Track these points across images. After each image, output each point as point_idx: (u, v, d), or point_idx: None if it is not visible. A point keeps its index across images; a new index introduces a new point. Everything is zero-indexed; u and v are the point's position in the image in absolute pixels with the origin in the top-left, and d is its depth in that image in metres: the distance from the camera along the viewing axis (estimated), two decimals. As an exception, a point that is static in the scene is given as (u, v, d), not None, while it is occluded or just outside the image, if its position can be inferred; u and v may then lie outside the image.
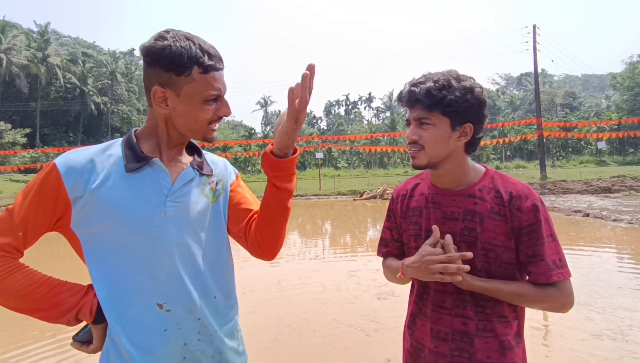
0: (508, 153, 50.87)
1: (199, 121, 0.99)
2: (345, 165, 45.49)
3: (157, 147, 1.03)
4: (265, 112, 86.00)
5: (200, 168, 1.07)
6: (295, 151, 0.99)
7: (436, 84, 1.07)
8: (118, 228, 0.93)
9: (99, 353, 0.99)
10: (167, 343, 0.95)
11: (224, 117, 1.03)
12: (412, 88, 1.11)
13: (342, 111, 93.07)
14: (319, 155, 23.07)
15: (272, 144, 0.99)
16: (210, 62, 0.95)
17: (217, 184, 1.11)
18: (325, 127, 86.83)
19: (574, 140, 45.24)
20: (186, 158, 1.08)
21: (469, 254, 1.05)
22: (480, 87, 1.11)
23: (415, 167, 1.15)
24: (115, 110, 57.44)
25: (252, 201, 1.17)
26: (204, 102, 0.97)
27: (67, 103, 52.03)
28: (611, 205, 12.53)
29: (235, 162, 40.09)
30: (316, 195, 20.28)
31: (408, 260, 1.13)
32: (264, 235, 1.06)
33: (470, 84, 1.09)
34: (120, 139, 1.03)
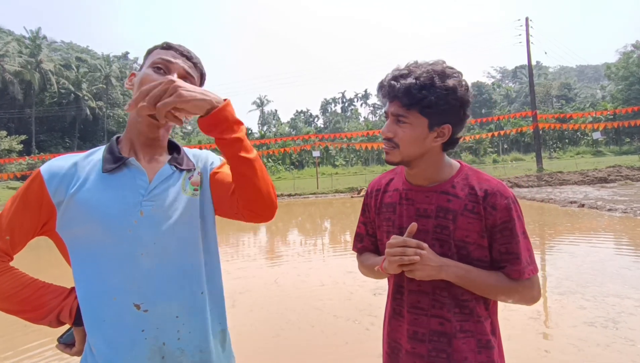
0: (505, 146, 50.97)
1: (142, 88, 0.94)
2: (343, 163, 45.51)
3: (133, 146, 1.04)
4: (262, 112, 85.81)
5: (179, 164, 1.06)
6: (224, 102, 0.92)
7: (417, 82, 1.01)
8: (95, 228, 0.94)
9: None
10: (145, 344, 0.94)
11: None
12: (393, 82, 1.04)
13: (338, 108, 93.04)
14: (316, 153, 23.15)
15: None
16: (174, 45, 1.05)
17: (199, 174, 1.09)
18: (322, 126, 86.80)
19: (570, 131, 45.40)
20: (165, 157, 1.08)
21: (424, 244, 1.02)
22: (466, 85, 1.05)
23: (388, 163, 1.12)
24: (111, 114, 57.29)
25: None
26: (152, 68, 1.00)
27: (62, 109, 51.86)
28: (607, 195, 12.63)
29: (232, 163, 40.03)
30: (314, 194, 20.33)
31: None
32: (243, 195, 0.99)
33: (453, 83, 1.02)
34: (106, 145, 1.06)
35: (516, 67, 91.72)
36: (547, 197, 12.78)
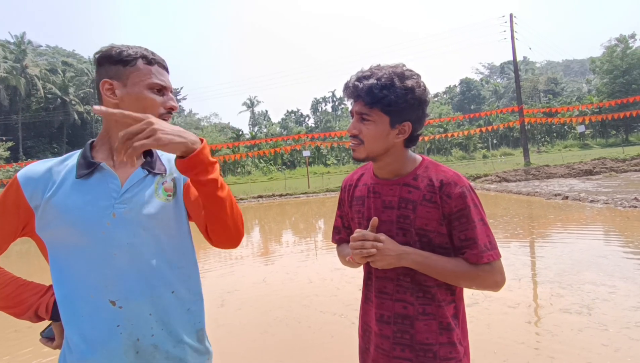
0: (494, 141, 51.49)
1: (148, 111, 1.02)
2: (335, 162, 45.62)
3: (110, 153, 1.09)
4: (252, 112, 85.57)
5: (151, 168, 1.10)
6: (201, 142, 0.96)
7: (378, 82, 1.09)
8: (70, 231, 0.99)
9: None
10: (119, 339, 0.99)
11: (173, 111, 1.10)
12: (356, 83, 1.13)
13: (329, 107, 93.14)
14: (306, 153, 23.22)
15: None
16: (153, 57, 1.08)
17: (171, 181, 1.13)
18: (313, 125, 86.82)
19: (557, 125, 46.04)
20: (138, 161, 1.11)
21: (382, 236, 1.11)
22: (424, 86, 1.14)
23: (355, 159, 1.20)
24: (99, 118, 56.68)
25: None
26: (149, 90, 1.05)
27: (50, 114, 51.20)
28: (591, 187, 12.91)
29: (224, 164, 39.92)
30: (305, 193, 20.40)
31: None
32: (212, 229, 1.09)
33: (412, 84, 1.11)
34: (81, 149, 1.10)
35: (503, 63, 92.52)
36: (532, 190, 13.02)
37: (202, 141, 0.96)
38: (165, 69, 1.11)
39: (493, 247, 1.13)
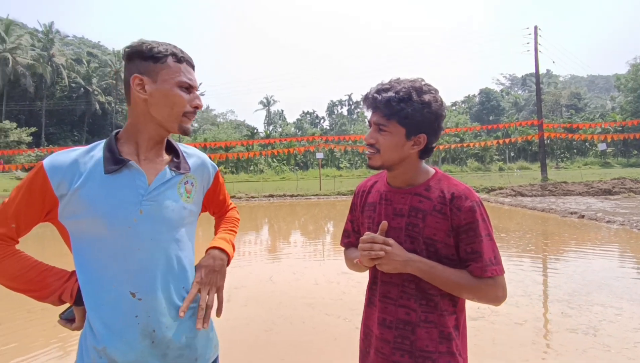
0: (512, 154, 50.74)
1: (175, 108, 1.09)
2: (348, 165, 45.58)
3: (136, 148, 1.12)
4: (268, 111, 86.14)
5: (177, 168, 1.15)
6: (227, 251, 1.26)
7: (397, 95, 1.14)
8: (97, 223, 1.03)
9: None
10: (137, 329, 1.04)
11: (197, 110, 1.15)
12: (376, 95, 1.18)
13: (344, 110, 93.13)
14: (319, 155, 23.24)
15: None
16: (183, 55, 1.12)
17: (192, 184, 1.19)
18: (328, 127, 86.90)
19: (578, 142, 45.14)
20: (164, 158, 1.16)
21: (390, 241, 1.15)
22: (440, 101, 1.19)
23: (370, 167, 1.24)
24: (120, 109, 57.94)
25: (224, 201, 1.38)
26: (178, 87, 1.09)
27: (72, 102, 52.56)
28: (609, 207, 12.61)
29: (238, 162, 40.27)
30: (316, 195, 20.44)
31: None
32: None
33: (429, 98, 1.15)
34: (104, 141, 1.12)
35: (525, 75, 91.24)
36: (548, 207, 12.79)
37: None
38: (193, 67, 1.16)
39: (497, 262, 1.15)
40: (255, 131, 53.50)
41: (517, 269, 5.63)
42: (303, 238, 9.73)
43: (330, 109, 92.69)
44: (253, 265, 6.69)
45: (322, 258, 7.18)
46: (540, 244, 7.77)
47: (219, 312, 1.18)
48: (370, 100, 1.20)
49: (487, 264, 1.12)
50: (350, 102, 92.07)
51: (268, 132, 56.66)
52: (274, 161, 42.92)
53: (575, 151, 47.96)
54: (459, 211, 1.15)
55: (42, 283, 1.05)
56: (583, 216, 10.71)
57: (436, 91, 1.20)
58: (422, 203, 1.19)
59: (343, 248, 1.50)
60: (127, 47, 1.11)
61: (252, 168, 42.18)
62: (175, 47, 1.12)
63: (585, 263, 6.06)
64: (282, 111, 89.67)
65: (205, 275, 1.16)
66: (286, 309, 4.33)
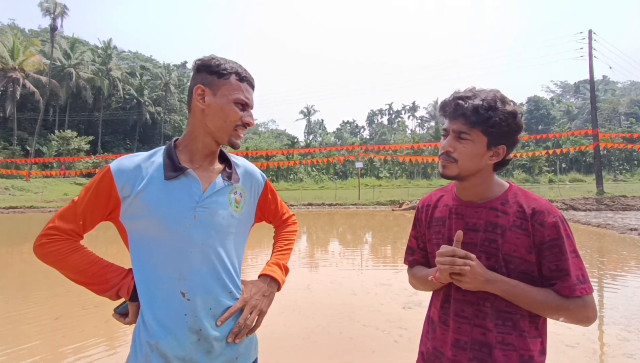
0: (563, 165, 47.94)
1: (228, 121, 1.17)
2: (387, 175, 45.04)
3: (192, 156, 1.20)
4: (308, 121, 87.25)
5: (229, 178, 1.22)
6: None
7: (484, 103, 1.11)
8: (155, 225, 1.11)
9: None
10: (185, 326, 1.11)
11: (248, 127, 1.22)
12: (460, 101, 1.13)
13: (385, 120, 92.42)
14: (359, 164, 23.17)
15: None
16: (246, 75, 1.20)
17: (241, 195, 1.26)
18: (367, 137, 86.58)
19: (639, 153, 41.86)
20: (217, 168, 1.24)
21: (472, 255, 1.08)
22: (522, 113, 1.17)
23: (444, 176, 1.18)
24: (168, 119, 61.13)
25: (278, 210, 1.44)
26: (235, 103, 1.16)
27: (126, 113, 56.16)
28: (675, 223, 11.54)
29: (278, 170, 40.99)
30: (355, 204, 20.34)
31: None
32: None
33: (512, 109, 1.13)
34: (163, 147, 1.21)
35: (578, 82, 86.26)
36: (604, 222, 11.92)
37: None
38: (253, 87, 1.24)
39: (585, 280, 1.08)
40: (296, 140, 54.31)
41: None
42: (341, 247, 9.69)
43: (371, 119, 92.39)
44: (291, 273, 6.69)
45: (360, 268, 7.11)
46: (595, 262, 7.24)
47: (250, 333, 1.21)
48: (453, 107, 1.15)
49: (575, 283, 1.06)
50: (391, 112, 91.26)
51: (308, 141, 57.33)
52: (313, 170, 43.29)
53: (635, 162, 44.47)
54: (542, 227, 1.09)
55: (103, 277, 1.13)
56: (645, 233, 9.87)
57: (515, 103, 1.17)
58: (500, 217, 1.14)
59: (407, 266, 1.43)
60: (198, 59, 1.20)
61: (291, 176, 42.79)
62: (240, 66, 1.20)
63: (648, 285, 5.57)
64: (322, 120, 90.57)
65: (253, 295, 1.22)
66: (323, 318, 4.31)
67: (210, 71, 1.17)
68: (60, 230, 1.10)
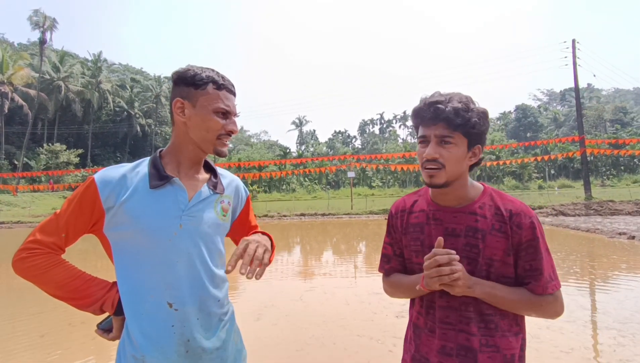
0: (552, 172, 48.58)
1: (210, 131, 1.15)
2: (380, 184, 45.17)
3: (178, 166, 1.19)
4: (300, 131, 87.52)
5: (214, 188, 1.22)
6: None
7: (462, 105, 1.10)
8: (140, 235, 1.08)
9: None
10: (173, 338, 1.09)
11: (233, 134, 1.20)
12: (439, 105, 1.10)
13: (376, 129, 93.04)
14: (351, 174, 23.23)
15: None
16: (223, 83, 1.17)
17: (229, 203, 1.25)
18: (359, 146, 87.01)
19: (626, 158, 42.64)
20: (203, 177, 1.24)
21: (456, 257, 1.06)
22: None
23: (433, 185, 1.15)
24: (159, 131, 60.80)
25: (253, 227, 1.39)
26: (214, 113, 1.15)
27: (116, 125, 55.76)
28: (663, 227, 11.71)
29: (270, 181, 40.89)
30: (348, 214, 20.33)
31: None
32: None
33: (483, 109, 1.14)
34: (149, 157, 1.20)
35: (564, 90, 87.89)
36: (593, 227, 12.05)
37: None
38: (233, 93, 1.21)
39: (555, 277, 1.12)
40: (288, 150, 54.34)
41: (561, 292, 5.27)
42: (334, 257, 9.64)
43: (362, 128, 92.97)
44: (283, 284, 6.68)
45: (353, 278, 7.07)
46: (586, 266, 7.30)
47: (258, 275, 1.09)
48: (432, 112, 1.11)
49: (547, 281, 1.10)
50: (382, 121, 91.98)
51: (300, 151, 57.42)
52: (305, 180, 43.27)
53: (622, 167, 45.25)
54: (519, 229, 1.11)
55: (85, 292, 1.09)
56: (633, 237, 9.99)
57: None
58: (479, 222, 1.14)
59: (382, 274, 1.38)
60: (175, 72, 1.19)
61: (284, 187, 42.69)
62: (217, 74, 1.18)
63: (638, 289, 5.61)
64: (314, 130, 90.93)
65: (254, 237, 1.17)
66: (317, 329, 4.26)
67: (186, 83, 1.15)
68: (42, 244, 1.07)
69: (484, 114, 1.13)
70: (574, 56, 22.92)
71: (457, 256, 1.06)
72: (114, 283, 1.14)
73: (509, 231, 1.11)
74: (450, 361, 1.13)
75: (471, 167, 1.18)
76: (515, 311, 1.12)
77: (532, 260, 1.10)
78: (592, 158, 41.14)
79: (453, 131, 1.10)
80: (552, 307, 1.11)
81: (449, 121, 1.09)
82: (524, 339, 1.16)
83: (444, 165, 1.11)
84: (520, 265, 1.12)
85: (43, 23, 44.15)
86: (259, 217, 19.67)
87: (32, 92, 44.75)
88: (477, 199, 1.17)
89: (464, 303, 1.13)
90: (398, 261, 1.32)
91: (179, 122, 1.17)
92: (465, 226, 1.14)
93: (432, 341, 1.18)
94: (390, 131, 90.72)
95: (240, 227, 1.36)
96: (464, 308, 1.13)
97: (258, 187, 39.86)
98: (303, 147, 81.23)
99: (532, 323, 3.95)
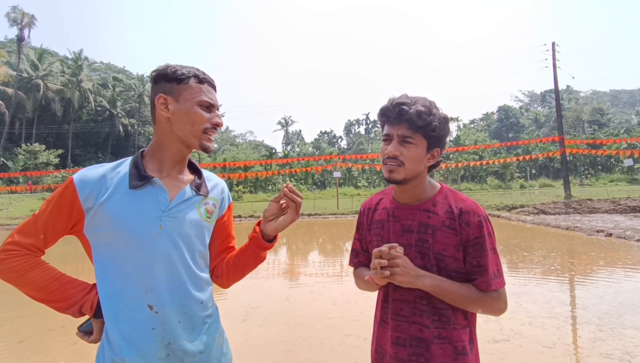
0: (533, 171, 49.61)
1: (196, 125, 1.14)
2: (366, 184, 45.35)
3: (160, 165, 1.17)
4: (286, 132, 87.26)
5: (198, 189, 1.20)
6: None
7: (425, 108, 1.17)
8: (119, 236, 1.06)
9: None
10: (153, 341, 1.06)
11: (218, 128, 1.18)
12: (404, 107, 1.17)
13: (362, 130, 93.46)
14: (337, 174, 23.27)
15: (259, 226, 1.24)
16: (204, 77, 1.17)
17: (214, 205, 1.23)
18: (345, 146, 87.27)
19: (603, 158, 43.86)
20: (187, 177, 1.21)
21: (395, 244, 1.15)
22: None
23: (391, 181, 1.21)
24: (142, 131, 59.71)
25: (232, 237, 1.35)
26: (199, 106, 1.14)
27: (97, 125, 54.55)
28: (639, 225, 12.10)
29: (256, 181, 40.67)
30: (334, 214, 20.36)
31: None
32: (235, 276, 1.29)
33: (445, 114, 1.22)
34: (130, 158, 1.17)
35: (544, 91, 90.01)
36: (572, 225, 12.36)
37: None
38: (214, 88, 1.21)
39: (500, 275, 1.19)
40: (274, 151, 54.06)
41: (542, 289, 5.41)
42: (321, 257, 9.65)
43: (348, 129, 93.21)
44: (269, 285, 6.65)
45: (339, 278, 7.09)
46: (566, 263, 7.48)
47: (297, 197, 1.20)
48: (397, 112, 1.18)
49: (491, 277, 1.16)
50: (368, 121, 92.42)
51: (286, 152, 57.17)
52: (291, 181, 43.12)
53: (599, 167, 46.53)
54: (468, 226, 1.17)
55: (64, 294, 1.08)
56: (611, 235, 10.30)
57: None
58: (431, 218, 1.21)
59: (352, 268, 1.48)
60: (154, 70, 1.17)
61: (270, 187, 42.47)
62: (197, 69, 1.18)
63: (615, 284, 5.79)
64: (300, 131, 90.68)
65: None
66: (304, 329, 4.26)
67: (168, 79, 1.15)
68: (20, 245, 1.05)
69: (444, 119, 1.21)
70: (554, 58, 23.48)
71: (401, 248, 1.14)
72: (94, 285, 1.12)
73: (458, 228, 1.17)
74: (404, 351, 1.19)
75: (430, 168, 1.26)
76: (462, 306, 1.18)
77: (479, 257, 1.16)
78: (571, 157, 42.22)
79: (414, 132, 1.17)
80: (495, 304, 1.17)
81: (411, 122, 1.16)
82: (471, 333, 1.22)
83: (403, 163, 1.18)
84: (467, 261, 1.18)
85: (21, 20, 42.96)
86: (245, 218, 19.55)
87: (10, 90, 43.49)
88: (432, 198, 1.24)
89: (417, 297, 1.19)
90: (365, 255, 1.41)
91: (162, 118, 1.15)
92: (418, 223, 1.22)
93: (387, 332, 1.24)
94: (376, 131, 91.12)
95: (218, 235, 1.29)
96: (418, 301, 1.19)
97: (244, 187, 39.59)
98: (289, 147, 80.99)
99: (515, 320, 4.05)
